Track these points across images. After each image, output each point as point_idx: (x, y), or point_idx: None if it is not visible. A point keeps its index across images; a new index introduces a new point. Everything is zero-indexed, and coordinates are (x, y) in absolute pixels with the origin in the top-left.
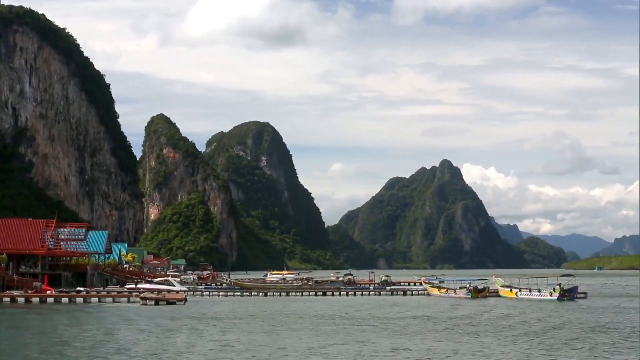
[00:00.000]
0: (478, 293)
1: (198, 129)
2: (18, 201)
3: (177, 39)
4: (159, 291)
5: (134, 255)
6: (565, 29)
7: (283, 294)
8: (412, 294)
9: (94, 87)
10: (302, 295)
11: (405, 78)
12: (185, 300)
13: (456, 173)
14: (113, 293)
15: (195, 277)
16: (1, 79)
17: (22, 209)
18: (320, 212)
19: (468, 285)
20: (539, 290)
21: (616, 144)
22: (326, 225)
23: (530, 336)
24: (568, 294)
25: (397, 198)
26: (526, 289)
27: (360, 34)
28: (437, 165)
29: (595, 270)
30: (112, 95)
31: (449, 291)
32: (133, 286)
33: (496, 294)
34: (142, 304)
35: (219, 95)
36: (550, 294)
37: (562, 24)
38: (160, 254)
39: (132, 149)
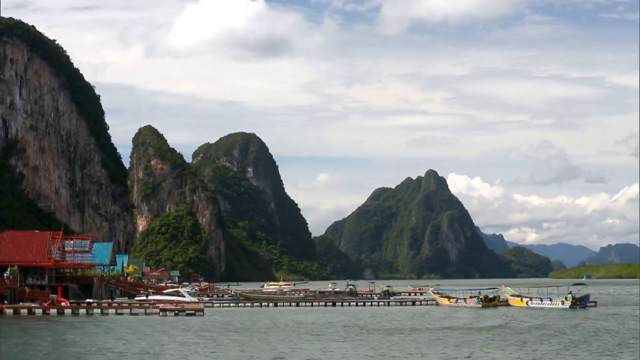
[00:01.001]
0: (489, 302)
1: (182, 140)
2: (9, 213)
3: (162, 49)
4: (177, 302)
5: (135, 267)
6: (550, 38)
7: (293, 304)
8: (420, 304)
9: (84, 98)
10: (313, 305)
11: (390, 88)
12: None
13: (442, 183)
14: (133, 304)
15: (197, 288)
16: None
17: (12, 220)
18: (306, 223)
19: (478, 294)
20: (550, 299)
21: (602, 152)
22: (312, 236)
23: (591, 342)
24: (580, 302)
25: (383, 208)
26: (537, 298)
27: (345, 44)
28: (423, 176)
29: (584, 279)
30: (102, 107)
31: (459, 301)
32: (144, 297)
33: (506, 303)
34: (162, 315)
35: (204, 106)
36: (562, 303)
37: (547, 33)
38: (150, 265)
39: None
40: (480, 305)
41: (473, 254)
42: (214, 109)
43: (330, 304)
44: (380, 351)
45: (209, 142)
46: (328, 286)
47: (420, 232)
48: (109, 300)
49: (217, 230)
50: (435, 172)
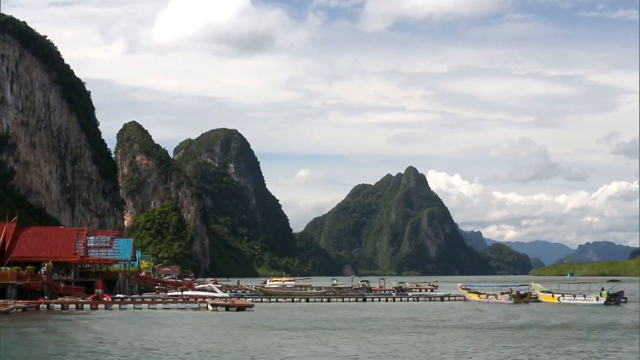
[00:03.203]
0: (520, 298)
1: (162, 136)
2: (0, 209)
3: (144, 45)
4: (226, 298)
5: (148, 262)
6: (529, 36)
7: (325, 300)
8: (449, 300)
9: (74, 94)
10: (344, 301)
11: (369, 85)
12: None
13: (422, 180)
14: (180, 300)
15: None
16: None
17: (3, 216)
18: (287, 219)
19: (510, 291)
20: (584, 295)
21: (583, 150)
22: (292, 232)
23: None
24: (614, 299)
25: (362, 205)
26: (569, 294)
27: (325, 40)
28: (403, 172)
29: (568, 276)
30: (93, 103)
31: (489, 297)
32: (178, 293)
33: (536, 299)
34: (213, 310)
35: (183, 102)
36: (597, 299)
37: (526, 31)
38: None
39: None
40: (512, 302)
41: (452, 251)
42: (193, 105)
43: (361, 299)
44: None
45: (190, 138)
46: (334, 281)
47: (400, 229)
48: (153, 295)
49: (202, 226)
50: (415, 169)
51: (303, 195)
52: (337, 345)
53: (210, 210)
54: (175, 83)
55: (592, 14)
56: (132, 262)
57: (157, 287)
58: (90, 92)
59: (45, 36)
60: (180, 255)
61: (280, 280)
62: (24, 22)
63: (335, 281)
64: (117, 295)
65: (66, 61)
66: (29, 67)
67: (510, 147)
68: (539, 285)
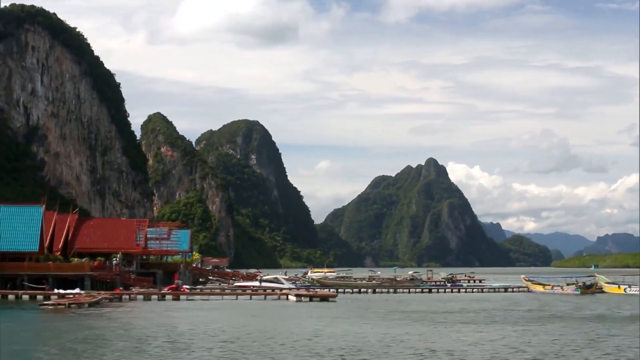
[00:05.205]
0: (587, 289)
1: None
2: (31, 199)
3: (166, 36)
4: (307, 288)
5: (198, 254)
6: (548, 28)
7: (391, 291)
8: (512, 291)
9: (104, 86)
10: (410, 292)
11: (388, 76)
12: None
13: (442, 171)
14: (267, 291)
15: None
16: (13, 78)
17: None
18: (309, 211)
19: (576, 282)
20: None
21: (604, 142)
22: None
23: None
24: None
25: (383, 196)
26: (635, 285)
27: (345, 32)
28: (423, 164)
29: (592, 268)
30: (122, 95)
31: (555, 287)
32: (245, 284)
33: (601, 290)
34: (297, 301)
35: (201, 93)
36: None
37: (545, 23)
38: None
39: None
40: (578, 293)
41: (473, 242)
42: (211, 97)
43: (427, 290)
44: None
45: (211, 129)
46: (378, 272)
47: (420, 220)
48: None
49: (227, 218)
50: (435, 161)
51: (323, 187)
52: (483, 335)
53: (232, 201)
54: (194, 74)
55: (611, 6)
56: (189, 253)
57: (209, 278)
58: (120, 84)
59: (75, 27)
60: (205, 246)
61: (322, 272)
62: (54, 13)
63: (372, 272)
64: (197, 287)
65: (96, 52)
66: (59, 59)
67: (532, 139)
68: (602, 276)
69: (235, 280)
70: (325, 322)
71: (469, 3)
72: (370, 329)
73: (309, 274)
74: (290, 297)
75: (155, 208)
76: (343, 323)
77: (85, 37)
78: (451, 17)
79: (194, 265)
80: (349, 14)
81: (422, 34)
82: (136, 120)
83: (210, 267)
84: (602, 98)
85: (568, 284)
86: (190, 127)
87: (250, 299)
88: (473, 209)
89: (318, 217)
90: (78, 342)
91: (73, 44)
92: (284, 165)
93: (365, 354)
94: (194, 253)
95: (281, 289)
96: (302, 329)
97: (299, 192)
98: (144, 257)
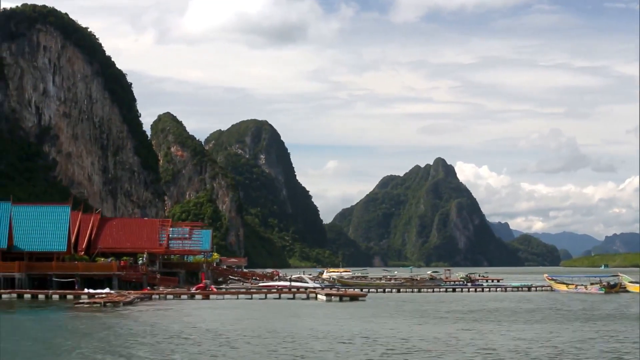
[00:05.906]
0: (611, 289)
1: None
2: (43, 199)
3: (174, 36)
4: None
5: (217, 254)
6: (556, 28)
7: (415, 290)
8: (536, 290)
9: (116, 86)
10: (434, 292)
11: (396, 76)
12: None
13: (450, 171)
14: (292, 290)
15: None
16: (25, 78)
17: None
18: (317, 210)
19: (599, 281)
20: None
21: (612, 141)
22: (322, 223)
23: None
24: None
25: (391, 196)
26: None
27: (353, 32)
28: (431, 164)
29: (602, 268)
30: (134, 95)
31: (579, 287)
32: (271, 283)
33: (625, 290)
34: (327, 300)
35: (209, 93)
36: None
37: (553, 23)
38: None
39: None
40: (602, 292)
41: (481, 242)
42: (219, 96)
43: (451, 290)
44: None
45: (220, 129)
46: (382, 273)
47: (428, 220)
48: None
49: (237, 217)
50: (443, 160)
51: (331, 186)
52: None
53: (242, 201)
54: (202, 74)
55: (619, 5)
56: (209, 253)
57: (229, 277)
58: (131, 84)
59: (87, 27)
60: (216, 246)
61: (337, 271)
62: (66, 13)
63: (386, 272)
64: (222, 286)
65: (107, 52)
66: (71, 59)
67: (540, 138)
68: (626, 276)
69: (257, 280)
70: (375, 322)
71: (478, 3)
72: (420, 327)
73: (325, 274)
74: (319, 296)
75: (165, 208)
76: (390, 322)
77: (97, 37)
78: (460, 16)
79: (214, 265)
80: (357, 13)
81: (431, 34)
82: (145, 119)
83: (227, 267)
84: (611, 97)
85: (592, 284)
86: (199, 127)
87: (279, 297)
88: (481, 209)
89: (326, 216)
90: (147, 335)
91: (85, 44)
92: (293, 165)
93: (431, 353)
94: (213, 253)
95: (306, 288)
96: (357, 329)
97: (308, 191)
98: (166, 256)
